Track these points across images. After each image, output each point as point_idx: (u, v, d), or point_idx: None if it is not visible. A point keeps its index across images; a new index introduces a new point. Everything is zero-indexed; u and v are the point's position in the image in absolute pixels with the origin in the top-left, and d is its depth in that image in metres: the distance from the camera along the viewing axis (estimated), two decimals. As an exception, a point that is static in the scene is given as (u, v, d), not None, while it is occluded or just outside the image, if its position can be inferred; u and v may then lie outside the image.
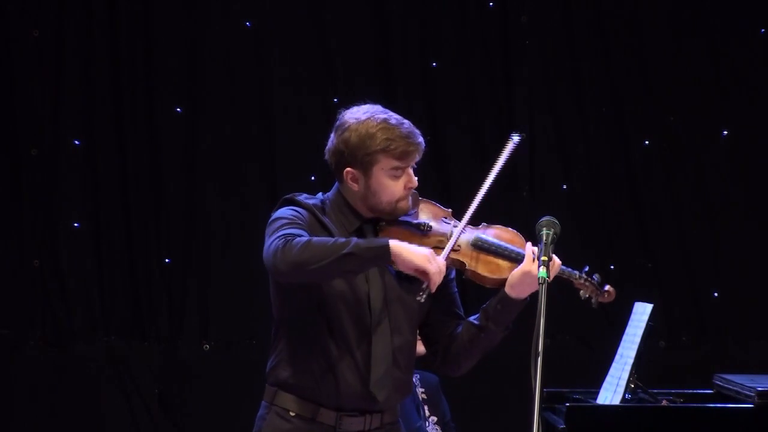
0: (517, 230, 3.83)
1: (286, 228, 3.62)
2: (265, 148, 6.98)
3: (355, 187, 3.74)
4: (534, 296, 3.62)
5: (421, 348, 4.93)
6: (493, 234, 3.81)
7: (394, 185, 3.72)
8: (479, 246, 3.75)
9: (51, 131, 6.90)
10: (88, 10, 6.89)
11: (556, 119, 7.07)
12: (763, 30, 7.04)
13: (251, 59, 6.97)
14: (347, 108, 3.80)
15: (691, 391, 5.29)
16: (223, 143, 6.98)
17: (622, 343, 5.17)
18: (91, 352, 6.88)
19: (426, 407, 5.02)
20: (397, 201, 3.73)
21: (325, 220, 3.74)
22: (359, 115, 3.75)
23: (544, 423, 4.94)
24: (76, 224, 6.90)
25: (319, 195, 3.83)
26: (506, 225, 3.54)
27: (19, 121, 6.89)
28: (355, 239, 3.57)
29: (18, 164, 6.89)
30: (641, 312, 5.14)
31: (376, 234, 3.76)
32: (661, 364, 6.38)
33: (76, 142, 6.90)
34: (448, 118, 7.02)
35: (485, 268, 3.74)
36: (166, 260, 6.94)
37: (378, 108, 3.79)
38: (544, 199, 6.93)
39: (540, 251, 3.60)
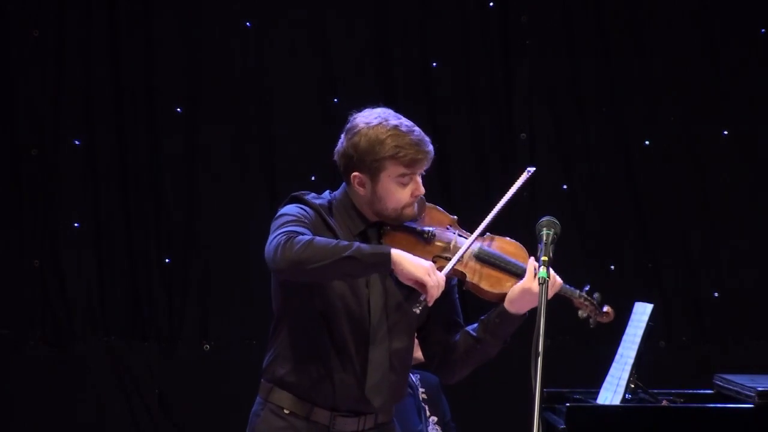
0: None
1: (290, 225, 3.62)
2: (265, 148, 6.98)
3: (361, 191, 3.73)
4: (533, 309, 3.62)
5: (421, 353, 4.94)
6: (497, 246, 3.80)
7: (401, 192, 3.71)
8: (481, 258, 3.74)
9: (51, 131, 6.90)
10: (88, 10, 6.89)
11: (556, 119, 7.07)
12: (763, 30, 7.04)
13: (251, 59, 6.97)
14: (359, 110, 3.78)
15: (691, 391, 5.29)
16: (223, 143, 6.97)
17: (622, 343, 5.17)
18: (91, 352, 6.88)
19: (426, 407, 5.01)
20: (403, 207, 3.72)
21: (331, 221, 3.73)
22: (370, 119, 3.73)
23: (545, 423, 4.93)
24: (76, 224, 6.90)
25: (326, 194, 3.82)
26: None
27: (19, 121, 6.89)
28: (357, 243, 3.57)
29: (18, 164, 6.89)
30: (641, 312, 5.14)
31: (380, 238, 3.76)
32: (661, 364, 6.37)
33: (76, 142, 6.90)
34: (448, 118, 7.02)
35: (486, 281, 3.73)
36: (166, 260, 6.94)
37: (390, 113, 3.78)
38: (544, 199, 6.92)
39: (540, 251, 3.60)
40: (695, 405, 5.07)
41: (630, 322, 5.20)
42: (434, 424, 5.00)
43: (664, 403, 5.05)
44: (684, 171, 7.04)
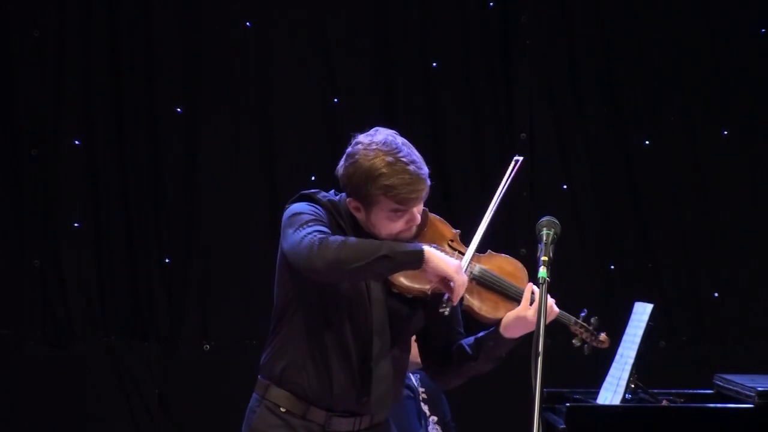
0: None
1: (313, 224, 3.60)
2: (265, 148, 6.98)
3: (357, 214, 3.72)
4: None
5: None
6: (497, 266, 3.79)
7: (394, 224, 3.68)
8: (479, 280, 3.74)
9: (51, 131, 6.90)
10: (88, 10, 6.89)
11: (556, 119, 7.07)
12: (763, 30, 7.04)
13: (251, 59, 6.97)
14: (363, 132, 3.76)
15: (691, 391, 5.29)
16: (223, 143, 6.97)
17: (623, 343, 5.17)
18: (91, 352, 6.88)
19: (426, 407, 5.01)
20: (398, 234, 3.69)
21: (341, 222, 3.73)
22: (369, 150, 3.66)
23: (545, 423, 4.93)
24: (76, 224, 6.90)
25: (332, 193, 3.81)
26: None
27: (19, 121, 6.89)
28: (389, 242, 3.58)
29: (18, 164, 6.89)
30: (641, 312, 5.14)
31: None
32: (661, 364, 6.37)
33: (76, 142, 6.90)
34: (448, 118, 7.02)
35: (482, 304, 3.73)
36: (166, 260, 6.94)
37: (391, 142, 3.69)
38: (544, 199, 6.92)
39: (540, 251, 3.60)
40: (695, 405, 5.07)
41: (630, 322, 5.20)
42: (434, 424, 5.00)
43: (664, 403, 5.05)
44: (684, 171, 7.04)
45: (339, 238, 3.54)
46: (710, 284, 7.01)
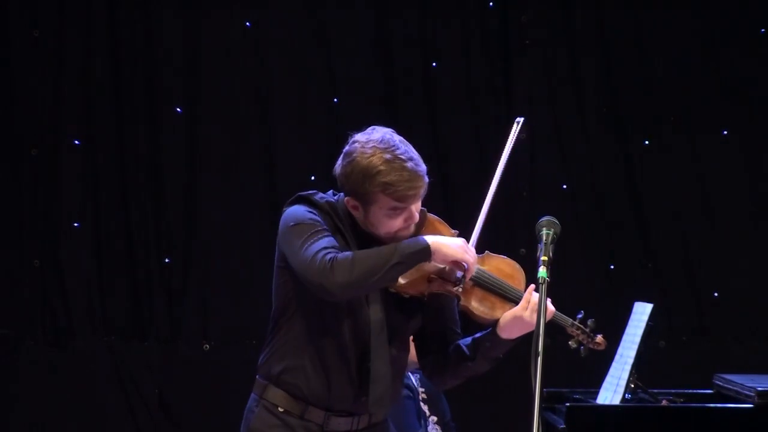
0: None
1: (318, 239, 3.59)
2: (265, 147, 6.98)
3: (355, 213, 3.72)
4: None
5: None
6: (494, 267, 3.79)
7: (392, 222, 3.68)
8: (477, 281, 3.74)
9: (51, 131, 6.90)
10: (88, 10, 6.89)
11: (556, 119, 7.07)
12: (763, 30, 7.04)
13: (251, 59, 6.97)
14: (359, 130, 3.77)
15: (691, 391, 5.29)
16: (223, 143, 6.98)
17: (622, 343, 5.17)
18: (91, 351, 6.89)
19: (426, 407, 5.01)
20: (396, 232, 3.69)
21: (339, 224, 3.73)
22: (366, 147, 3.67)
23: (544, 423, 4.94)
24: (76, 224, 6.90)
25: (330, 193, 3.81)
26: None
27: (19, 121, 6.90)
28: (396, 246, 3.59)
29: (18, 164, 6.89)
30: (641, 312, 5.14)
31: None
32: (661, 364, 6.38)
33: (76, 142, 6.91)
34: (448, 117, 7.02)
35: (478, 304, 3.73)
36: (166, 260, 6.94)
37: (388, 140, 3.70)
38: (544, 199, 6.92)
39: (540, 251, 3.60)
40: (695, 405, 5.08)
41: (630, 322, 5.20)
42: (434, 424, 5.00)
43: (664, 403, 5.06)
44: (684, 171, 7.04)
45: (348, 255, 3.54)
46: (710, 284, 7.01)
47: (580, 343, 3.84)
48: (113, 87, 6.92)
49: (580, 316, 3.86)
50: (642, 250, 7.03)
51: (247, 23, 6.97)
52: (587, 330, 3.82)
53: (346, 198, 3.71)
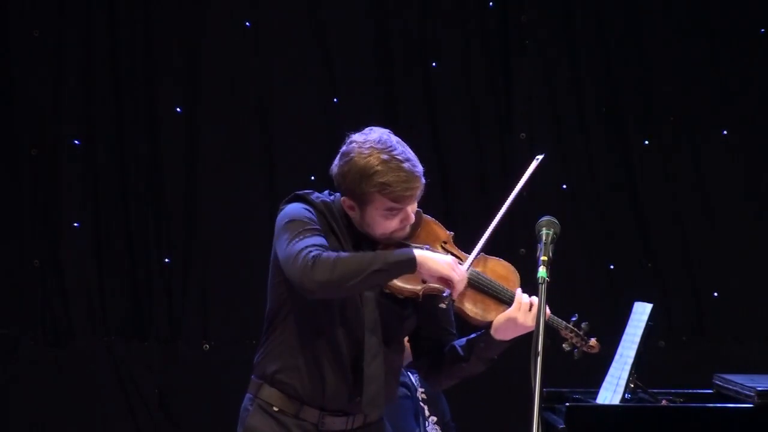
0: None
1: (308, 236, 3.61)
2: (264, 148, 6.98)
3: (351, 213, 3.73)
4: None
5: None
6: (489, 268, 3.79)
7: (389, 223, 3.69)
8: (471, 282, 3.73)
9: (51, 131, 6.90)
10: (88, 10, 6.90)
11: (556, 119, 7.06)
12: (763, 30, 7.04)
13: (251, 59, 6.97)
14: (358, 131, 3.77)
15: (691, 391, 5.28)
16: (223, 143, 6.98)
17: (622, 343, 5.17)
18: (91, 351, 6.89)
19: (426, 407, 5.01)
20: (392, 233, 3.71)
21: (334, 224, 3.73)
22: (363, 148, 3.69)
23: (544, 423, 4.93)
24: (76, 224, 6.90)
25: (326, 194, 3.82)
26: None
27: (19, 121, 6.90)
28: (380, 253, 3.60)
29: (18, 164, 6.89)
30: (641, 312, 5.13)
31: (374, 247, 3.74)
32: (661, 364, 6.37)
33: (76, 142, 6.91)
34: (447, 118, 7.02)
35: (473, 306, 3.74)
36: (166, 260, 6.94)
37: (385, 140, 3.72)
38: (544, 199, 6.92)
39: (540, 251, 3.60)
40: (695, 405, 5.07)
41: (630, 322, 5.20)
42: (434, 424, 5.00)
43: (664, 403, 5.05)
44: (684, 171, 7.04)
45: (332, 255, 3.54)
46: (710, 284, 7.01)
47: (573, 346, 3.85)
48: (113, 87, 6.92)
49: (574, 318, 3.86)
50: (642, 250, 7.03)
51: (247, 23, 6.97)
52: (581, 333, 3.83)
53: (342, 198, 3.72)
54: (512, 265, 3.89)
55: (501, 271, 3.80)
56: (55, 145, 6.90)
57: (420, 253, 3.59)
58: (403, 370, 4.83)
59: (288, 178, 6.81)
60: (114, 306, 6.92)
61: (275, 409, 3.75)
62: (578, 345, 3.82)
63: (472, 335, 3.82)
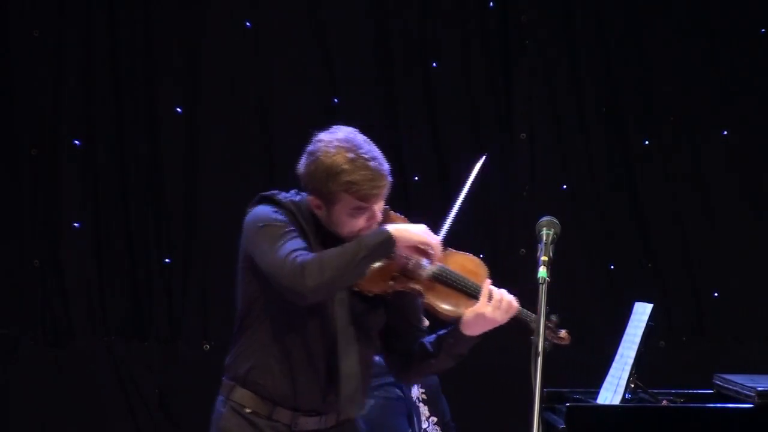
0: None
1: (288, 241, 3.60)
2: (264, 148, 6.98)
3: (318, 212, 3.73)
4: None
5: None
6: (456, 264, 3.78)
7: (355, 222, 3.69)
8: (438, 277, 3.73)
9: (51, 131, 6.90)
10: (88, 10, 6.90)
11: (556, 119, 7.07)
12: (763, 30, 7.04)
13: (251, 59, 6.97)
14: (325, 129, 3.78)
15: (691, 391, 5.28)
16: (223, 143, 6.97)
17: (622, 343, 5.17)
18: (91, 351, 6.89)
19: (426, 407, 5.01)
20: (358, 232, 3.70)
21: (304, 224, 3.73)
22: (330, 147, 3.70)
23: (544, 423, 4.91)
24: (76, 224, 6.90)
25: (293, 192, 3.82)
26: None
27: (19, 121, 6.90)
28: (357, 240, 3.59)
29: (18, 164, 6.89)
30: (641, 312, 5.14)
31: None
32: (661, 364, 6.37)
33: (76, 142, 6.91)
34: (448, 118, 7.02)
35: (441, 301, 3.72)
36: (166, 260, 6.94)
37: (351, 139, 3.72)
38: (544, 199, 6.92)
39: (540, 251, 3.60)
40: (695, 405, 5.07)
41: (630, 322, 5.20)
42: (434, 424, 5.00)
43: (664, 403, 5.05)
44: (684, 171, 7.04)
45: (315, 257, 3.54)
46: (710, 284, 7.01)
47: (544, 339, 3.81)
48: (113, 87, 6.92)
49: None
50: (642, 250, 7.03)
51: (247, 23, 6.97)
52: (551, 325, 3.79)
53: (309, 197, 3.72)
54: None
55: (468, 265, 3.80)
56: (55, 145, 6.90)
57: (393, 227, 3.60)
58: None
59: (288, 178, 6.78)
60: (114, 306, 6.92)
61: (248, 410, 3.75)
62: (548, 337, 3.78)
63: (441, 331, 3.82)
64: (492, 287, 3.73)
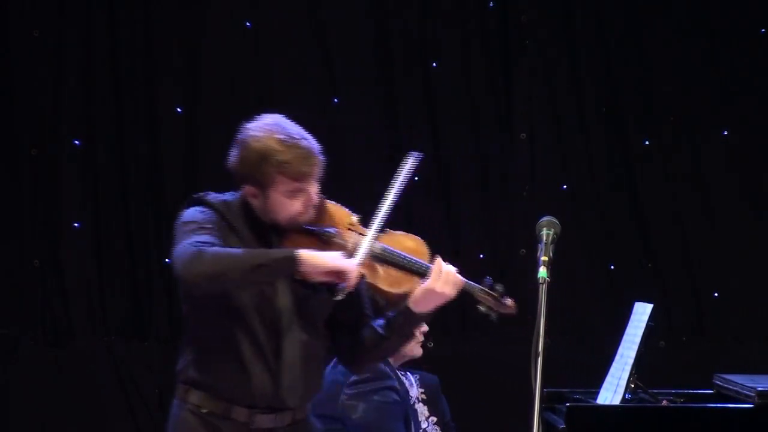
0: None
1: (197, 234, 3.62)
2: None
3: (254, 201, 3.74)
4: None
5: (418, 350, 4.92)
6: (397, 243, 3.78)
7: (292, 205, 3.70)
8: (381, 257, 3.73)
9: (51, 131, 6.90)
10: (88, 10, 6.89)
11: (556, 119, 7.07)
12: (763, 30, 7.04)
13: (251, 59, 6.97)
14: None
15: (691, 391, 5.28)
16: (223, 143, 6.95)
17: (623, 343, 5.17)
18: (91, 351, 6.89)
19: (426, 407, 5.01)
20: (297, 216, 3.72)
21: (234, 222, 3.74)
22: (258, 132, 3.75)
23: (544, 423, 4.93)
24: (76, 224, 6.90)
25: (228, 195, 3.82)
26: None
27: (19, 121, 6.90)
28: (264, 250, 3.61)
29: (18, 164, 6.89)
30: (641, 312, 5.14)
31: (280, 241, 3.74)
32: (661, 364, 6.37)
33: (76, 142, 6.91)
34: (448, 118, 7.02)
35: (385, 281, 3.73)
36: (166, 260, 6.94)
37: (278, 123, 3.77)
38: (544, 199, 6.92)
39: (540, 251, 3.60)
40: (695, 405, 5.07)
41: (630, 322, 5.20)
42: (434, 424, 5.00)
43: (664, 403, 5.05)
44: (684, 171, 7.04)
45: (214, 250, 3.55)
46: (710, 284, 7.01)
47: (490, 308, 3.79)
48: (113, 87, 6.92)
49: (488, 281, 3.82)
50: (642, 250, 7.03)
51: (247, 23, 6.97)
52: (496, 295, 3.77)
53: (244, 187, 3.73)
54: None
55: (409, 244, 3.80)
56: (55, 145, 6.90)
57: (304, 252, 3.57)
58: (398, 372, 4.83)
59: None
60: (114, 306, 6.92)
61: (204, 411, 3.77)
62: (494, 307, 3.77)
63: (390, 313, 3.82)
64: (438, 263, 3.72)
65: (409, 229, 3.88)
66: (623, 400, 4.97)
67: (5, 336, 6.86)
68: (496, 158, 7.02)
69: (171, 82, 6.95)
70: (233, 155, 3.76)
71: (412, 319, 3.78)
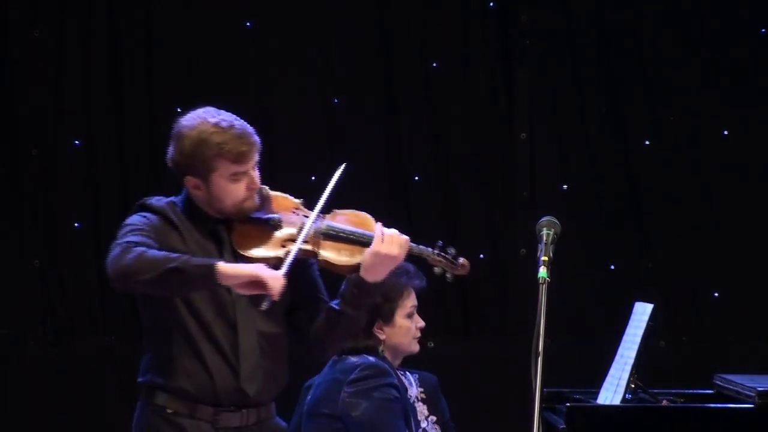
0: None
1: (129, 235, 3.66)
2: (264, 148, 6.94)
3: (198, 193, 3.78)
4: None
5: (415, 346, 4.91)
6: (343, 220, 3.85)
7: (236, 189, 3.74)
8: (328, 234, 3.80)
9: (51, 131, 6.90)
10: (88, 10, 6.89)
11: (556, 119, 7.06)
12: (763, 30, 7.04)
13: (251, 59, 6.97)
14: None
15: (691, 391, 5.28)
16: (223, 143, 6.96)
17: (623, 343, 5.17)
18: (92, 352, 6.88)
19: (425, 406, 5.00)
20: (242, 202, 3.76)
21: (177, 222, 3.77)
22: (191, 121, 3.81)
23: (545, 423, 4.92)
24: (76, 224, 6.90)
25: (173, 198, 3.87)
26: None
27: (19, 121, 6.90)
28: (186, 256, 3.60)
29: (18, 164, 6.89)
30: (641, 312, 5.13)
31: (229, 234, 3.77)
32: (661, 364, 6.37)
33: (76, 142, 6.91)
34: (448, 118, 7.02)
35: (336, 256, 3.79)
36: (166, 260, 6.93)
37: (209, 111, 3.81)
38: (544, 199, 6.92)
39: (540, 251, 3.60)
40: (695, 405, 5.07)
41: (630, 322, 5.20)
42: (433, 423, 4.99)
43: (664, 403, 5.05)
44: (684, 171, 7.04)
45: (139, 249, 3.57)
46: (710, 284, 7.01)
47: (444, 270, 3.85)
48: (113, 87, 6.91)
49: (440, 244, 3.86)
50: (642, 250, 7.03)
51: (247, 23, 6.97)
52: (448, 256, 3.83)
53: (186, 179, 3.78)
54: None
55: (355, 219, 3.88)
56: (55, 145, 6.90)
57: (223, 264, 3.57)
58: (398, 371, 4.83)
59: (288, 178, 6.79)
60: (114, 306, 6.91)
61: (169, 411, 3.79)
62: (447, 268, 3.83)
63: (342, 288, 3.85)
64: (383, 227, 3.76)
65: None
66: (623, 400, 4.97)
67: (5, 336, 6.86)
68: (496, 158, 7.02)
69: (171, 82, 6.95)
70: (170, 149, 3.84)
71: (366, 289, 3.80)
